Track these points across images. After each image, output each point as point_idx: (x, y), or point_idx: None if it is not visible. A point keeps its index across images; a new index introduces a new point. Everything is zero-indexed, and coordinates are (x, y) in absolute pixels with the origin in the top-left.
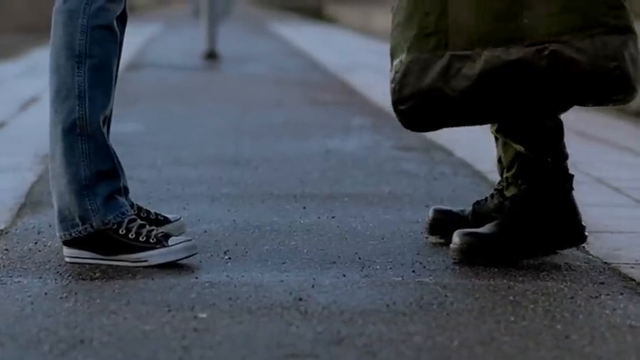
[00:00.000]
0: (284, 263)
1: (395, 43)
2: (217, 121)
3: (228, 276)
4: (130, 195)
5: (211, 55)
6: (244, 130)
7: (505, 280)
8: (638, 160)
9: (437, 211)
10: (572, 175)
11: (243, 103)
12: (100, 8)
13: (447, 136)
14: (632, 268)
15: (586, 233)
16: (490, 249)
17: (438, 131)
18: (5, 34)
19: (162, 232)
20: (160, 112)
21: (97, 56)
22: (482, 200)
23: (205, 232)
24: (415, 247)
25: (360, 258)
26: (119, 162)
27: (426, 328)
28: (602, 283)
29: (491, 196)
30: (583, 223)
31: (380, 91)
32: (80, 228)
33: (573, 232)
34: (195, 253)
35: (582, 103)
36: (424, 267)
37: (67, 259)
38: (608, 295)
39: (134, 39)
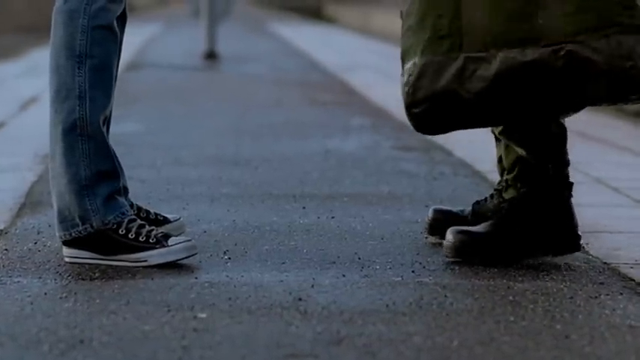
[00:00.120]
0: (284, 263)
1: (407, 47)
2: (217, 121)
3: (227, 276)
4: (130, 195)
5: (211, 55)
6: (244, 130)
7: (505, 280)
8: (637, 160)
9: (436, 211)
10: (572, 183)
11: (243, 103)
12: (100, 8)
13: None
14: (631, 268)
15: (581, 242)
16: (483, 248)
17: None
18: (5, 34)
19: (161, 232)
20: (160, 112)
21: (98, 56)
22: (481, 200)
23: (205, 232)
24: (415, 247)
25: (359, 258)
26: (119, 162)
27: (426, 329)
28: (601, 283)
29: (491, 196)
30: (579, 232)
31: (380, 91)
32: (80, 228)
33: (568, 239)
34: (195, 253)
35: (598, 102)
36: (424, 267)
37: (67, 259)
38: (607, 295)
39: (134, 39)
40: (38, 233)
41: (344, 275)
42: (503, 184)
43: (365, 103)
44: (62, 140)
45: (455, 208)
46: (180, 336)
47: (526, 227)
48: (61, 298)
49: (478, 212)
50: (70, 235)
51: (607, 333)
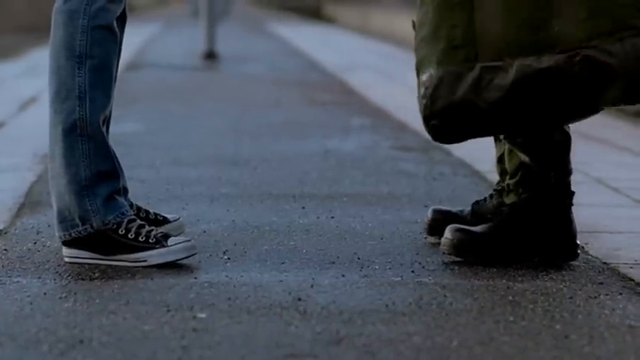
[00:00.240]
0: (283, 263)
1: (421, 58)
2: (216, 121)
3: (227, 276)
4: (130, 195)
5: (210, 55)
6: (243, 130)
7: (504, 280)
8: (637, 160)
9: (436, 212)
10: (573, 192)
11: (242, 103)
12: (100, 9)
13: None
14: (631, 268)
15: (578, 250)
16: (480, 248)
17: None
18: (5, 34)
19: (161, 232)
20: (160, 112)
21: (98, 57)
22: (481, 200)
23: (204, 232)
24: (414, 247)
25: (359, 258)
26: (119, 162)
27: (425, 328)
28: (601, 283)
29: (490, 196)
30: (577, 240)
31: (379, 91)
32: (80, 228)
33: (565, 248)
34: (195, 254)
35: (613, 105)
36: (423, 267)
37: (67, 259)
38: (607, 295)
39: (133, 39)
40: (38, 233)
41: (343, 275)
42: (506, 188)
43: (364, 103)
44: (62, 140)
45: (454, 209)
46: (179, 336)
47: (524, 233)
48: (60, 298)
49: (477, 212)
50: (70, 235)
51: (606, 333)
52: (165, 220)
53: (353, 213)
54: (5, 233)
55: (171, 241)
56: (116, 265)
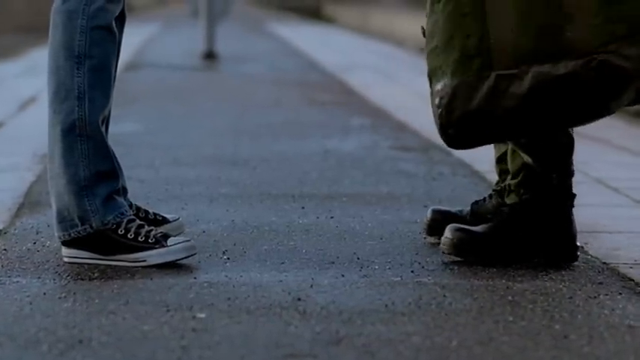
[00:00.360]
0: (283, 263)
1: (434, 67)
2: (216, 121)
3: (226, 276)
4: (129, 195)
5: (210, 55)
6: (243, 130)
7: (504, 280)
8: (636, 160)
9: (435, 212)
10: (575, 195)
11: (242, 103)
12: (99, 9)
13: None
14: (630, 268)
15: (578, 252)
16: (480, 248)
17: (436, 131)
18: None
19: (161, 232)
20: (159, 112)
21: (97, 57)
22: (480, 200)
23: (204, 232)
24: (414, 247)
25: (358, 258)
26: (118, 162)
27: (425, 328)
28: (600, 283)
29: (490, 196)
30: (577, 242)
31: (378, 91)
32: (79, 228)
33: (565, 249)
34: (194, 254)
35: (627, 105)
36: (423, 267)
37: (66, 259)
38: (606, 295)
39: (132, 39)
40: (37, 233)
41: (343, 275)
42: (507, 188)
43: (364, 103)
44: (61, 141)
45: (453, 209)
46: (179, 336)
47: (524, 234)
48: (60, 298)
49: (477, 212)
50: (69, 235)
51: (606, 333)
52: (165, 220)
53: (352, 213)
54: (5, 233)
55: (170, 241)
56: (115, 265)
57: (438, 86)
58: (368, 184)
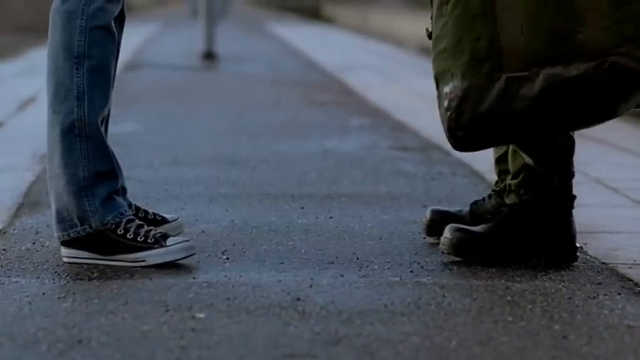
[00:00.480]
0: (282, 263)
1: (442, 69)
2: (215, 121)
3: (226, 276)
4: (128, 195)
5: (209, 55)
6: (242, 130)
7: (503, 281)
8: (636, 160)
9: (434, 212)
10: (575, 196)
11: (241, 103)
12: (98, 9)
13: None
14: (629, 268)
15: (577, 253)
16: (479, 248)
17: (435, 131)
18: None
19: (160, 232)
20: (158, 112)
21: (96, 57)
22: (479, 200)
23: (203, 232)
24: (413, 247)
25: (358, 258)
26: (117, 162)
27: (424, 329)
28: (599, 284)
29: (489, 196)
30: (577, 243)
31: (377, 91)
32: (79, 228)
33: (565, 250)
34: (194, 254)
35: (637, 107)
36: (422, 267)
37: (65, 259)
38: (605, 295)
39: (132, 39)
40: (36, 233)
41: (342, 275)
42: (507, 188)
43: (363, 104)
44: (60, 141)
45: (452, 209)
46: (178, 336)
47: (524, 234)
48: (59, 298)
49: (476, 212)
50: (69, 235)
51: (605, 333)
52: (164, 220)
53: (352, 213)
54: (4, 233)
55: (170, 241)
56: (115, 265)
57: (447, 89)
58: (367, 184)
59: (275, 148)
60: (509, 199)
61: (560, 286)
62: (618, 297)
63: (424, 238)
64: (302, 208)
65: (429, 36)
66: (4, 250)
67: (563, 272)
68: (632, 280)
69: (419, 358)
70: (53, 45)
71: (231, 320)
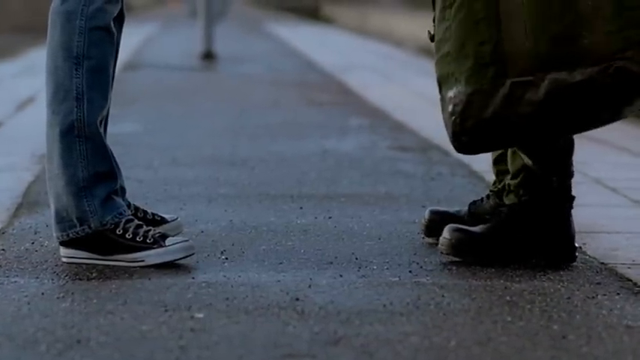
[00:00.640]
0: (281, 263)
1: (446, 73)
2: (214, 121)
3: (225, 276)
4: (127, 195)
5: (208, 56)
6: (241, 130)
7: (502, 281)
8: (635, 160)
9: (433, 213)
10: (574, 197)
11: (240, 103)
12: (97, 9)
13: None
14: (628, 268)
15: (576, 253)
16: (478, 248)
17: (434, 131)
18: (2, 34)
19: (159, 232)
20: (157, 112)
21: (95, 58)
22: (478, 201)
23: (202, 232)
24: (412, 247)
25: (357, 258)
26: (117, 163)
27: (423, 329)
28: (598, 284)
29: (487, 196)
30: (576, 243)
31: (377, 92)
32: (78, 229)
33: (564, 251)
34: (193, 254)
35: None
36: (421, 267)
37: (64, 259)
38: (604, 295)
39: (131, 39)
40: (35, 233)
41: (341, 275)
42: (506, 188)
43: (362, 104)
44: (60, 142)
45: (451, 209)
46: (177, 336)
47: (523, 234)
48: (58, 298)
49: (474, 213)
50: (68, 235)
51: (604, 333)
52: (163, 220)
53: (351, 213)
54: (3, 233)
55: (169, 241)
56: (114, 265)
57: (451, 93)
58: (366, 184)
59: (274, 149)
60: (509, 200)
61: (559, 286)
62: (617, 297)
63: (423, 238)
64: (301, 208)
65: (432, 38)
66: (2, 250)
67: (562, 272)
68: (630, 280)
69: (418, 358)
70: (52, 45)
71: (230, 320)
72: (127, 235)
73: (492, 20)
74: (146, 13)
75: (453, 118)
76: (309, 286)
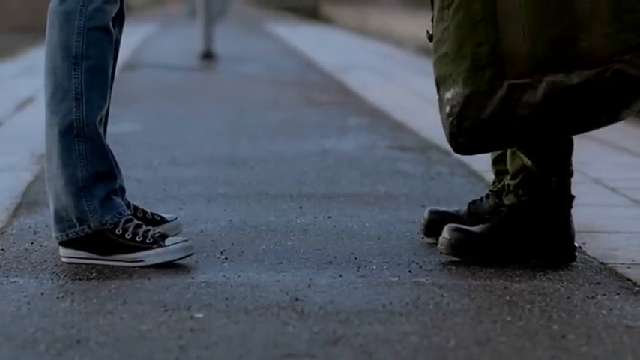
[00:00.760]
0: (280, 263)
1: (443, 74)
2: (214, 121)
3: (224, 276)
4: (127, 195)
5: (208, 56)
6: (241, 130)
7: (501, 280)
8: (635, 160)
9: (432, 212)
10: (573, 196)
11: (240, 103)
12: (96, 9)
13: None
14: (628, 268)
15: (576, 253)
16: (478, 248)
17: (434, 131)
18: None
19: (158, 232)
20: (157, 112)
21: (94, 58)
22: (477, 200)
23: (202, 232)
24: (411, 247)
25: (356, 258)
26: (116, 162)
27: (423, 328)
28: (598, 283)
29: (486, 196)
30: (575, 243)
31: (376, 91)
32: (77, 229)
33: (563, 250)
34: (192, 253)
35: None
36: (420, 267)
37: (64, 259)
38: (604, 295)
39: (130, 39)
40: (35, 233)
41: (341, 275)
42: (505, 188)
43: (362, 104)
44: (59, 142)
45: (451, 209)
46: (177, 336)
47: (522, 234)
48: (57, 298)
49: (474, 212)
50: (67, 235)
51: (604, 333)
52: (163, 220)
53: (350, 213)
54: (2, 233)
55: (168, 241)
56: (113, 265)
57: (448, 94)
58: (366, 184)
59: (273, 148)
60: (508, 200)
61: (558, 286)
62: (617, 297)
63: (422, 238)
64: (300, 208)
65: (430, 38)
66: (2, 250)
67: (561, 272)
68: (630, 280)
69: (417, 358)
70: (51, 45)
71: (230, 320)
72: (126, 235)
73: (490, 22)
74: (145, 13)
75: (451, 119)
76: (309, 286)
